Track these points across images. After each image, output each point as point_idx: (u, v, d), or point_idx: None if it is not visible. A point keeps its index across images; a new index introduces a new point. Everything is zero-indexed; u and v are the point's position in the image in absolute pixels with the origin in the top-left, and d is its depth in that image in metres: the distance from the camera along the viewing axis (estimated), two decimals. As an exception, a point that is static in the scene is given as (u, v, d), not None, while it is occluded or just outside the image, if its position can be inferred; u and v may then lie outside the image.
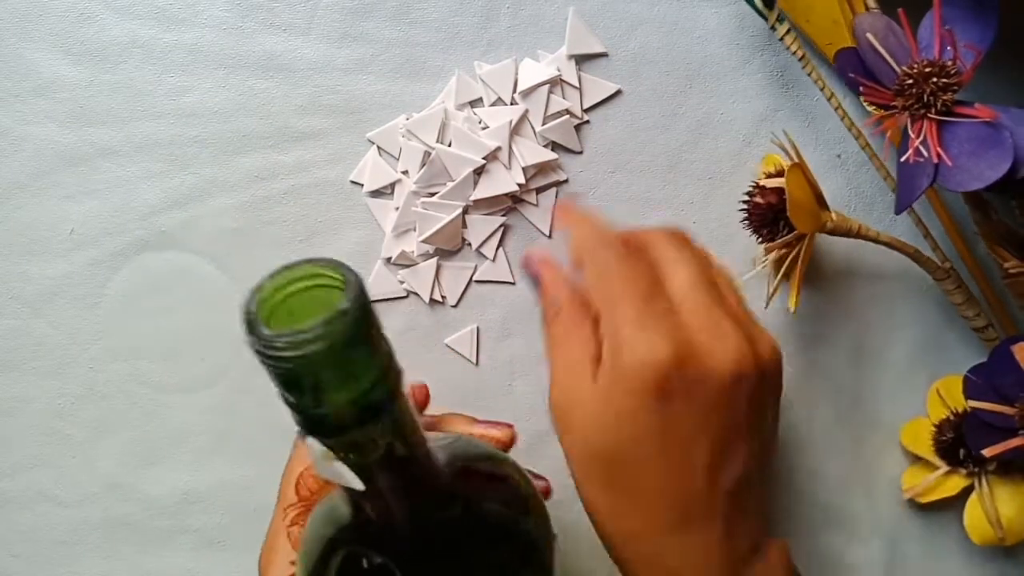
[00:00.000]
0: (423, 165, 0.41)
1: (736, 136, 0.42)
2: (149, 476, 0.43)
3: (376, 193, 0.42)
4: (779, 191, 0.37)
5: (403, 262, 0.42)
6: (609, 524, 0.26)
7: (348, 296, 0.19)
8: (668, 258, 0.28)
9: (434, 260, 0.42)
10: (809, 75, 0.39)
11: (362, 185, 0.41)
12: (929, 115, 0.33)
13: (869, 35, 0.34)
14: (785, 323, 0.43)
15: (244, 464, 0.43)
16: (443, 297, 0.42)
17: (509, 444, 0.34)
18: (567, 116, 0.41)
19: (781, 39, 0.40)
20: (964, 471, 0.40)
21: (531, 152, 0.41)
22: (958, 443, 0.40)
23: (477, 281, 0.42)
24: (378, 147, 0.41)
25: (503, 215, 0.42)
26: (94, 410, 0.42)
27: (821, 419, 0.43)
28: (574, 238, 0.29)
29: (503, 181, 0.40)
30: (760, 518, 0.27)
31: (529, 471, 0.30)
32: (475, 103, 0.41)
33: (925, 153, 0.33)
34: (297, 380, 0.19)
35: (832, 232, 0.37)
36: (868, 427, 0.43)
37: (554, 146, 0.41)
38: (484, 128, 0.41)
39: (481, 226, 0.41)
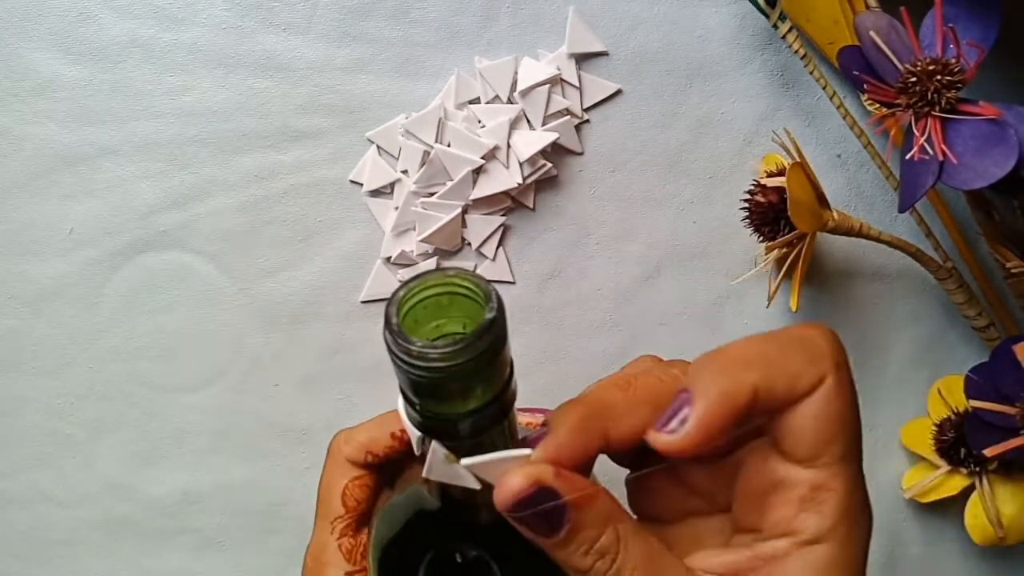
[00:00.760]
0: (422, 165, 0.41)
1: (737, 135, 0.42)
2: (149, 476, 0.43)
3: (376, 193, 0.42)
4: (780, 190, 0.37)
5: (403, 262, 0.42)
6: None
7: (491, 305, 0.20)
8: None
9: (434, 260, 0.42)
10: (811, 74, 0.39)
11: (362, 185, 0.41)
12: (933, 113, 0.33)
13: (872, 33, 0.34)
14: (786, 322, 0.42)
15: (244, 464, 0.43)
16: (443, 297, 0.42)
17: None
18: (567, 116, 0.41)
19: (783, 37, 0.39)
20: (965, 471, 0.40)
21: (528, 144, 0.40)
22: (959, 443, 0.39)
23: (477, 281, 0.42)
24: (378, 147, 0.41)
25: (503, 215, 0.42)
26: (94, 410, 0.42)
27: (822, 419, 0.43)
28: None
29: (502, 179, 0.40)
30: None
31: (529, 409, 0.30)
32: (473, 101, 0.41)
33: (930, 151, 0.33)
34: (437, 388, 0.20)
35: (833, 231, 0.37)
36: (868, 427, 0.43)
37: (554, 146, 0.41)
38: (482, 127, 0.41)
39: (480, 226, 0.41)
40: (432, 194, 0.41)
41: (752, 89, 0.42)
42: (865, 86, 0.35)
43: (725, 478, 0.25)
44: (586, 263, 0.42)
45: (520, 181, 0.40)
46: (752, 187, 0.39)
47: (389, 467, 0.31)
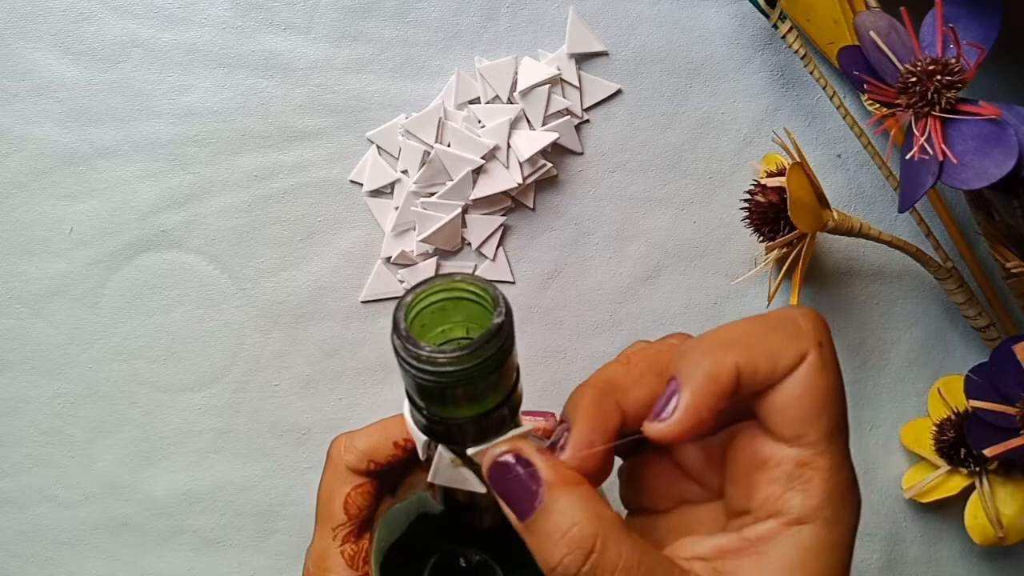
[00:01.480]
0: (422, 165, 0.41)
1: (737, 135, 0.42)
2: (149, 476, 0.43)
3: (376, 192, 0.42)
4: (780, 190, 0.37)
5: (403, 262, 0.42)
6: None
7: (499, 310, 0.20)
8: None
9: (434, 260, 0.42)
10: (811, 74, 0.39)
11: (362, 185, 0.41)
12: (933, 113, 0.33)
13: (872, 33, 0.34)
14: (786, 322, 0.42)
15: (244, 464, 0.43)
16: (443, 297, 0.42)
17: (552, 433, 0.34)
18: (567, 116, 0.41)
19: (783, 37, 0.39)
20: (965, 471, 0.40)
21: (529, 144, 0.40)
22: (959, 443, 0.39)
23: (477, 281, 0.42)
24: (378, 146, 0.41)
25: (503, 215, 0.42)
26: (94, 410, 0.42)
27: (822, 419, 0.43)
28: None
29: (502, 179, 0.40)
30: None
31: (532, 412, 0.30)
32: (473, 101, 0.41)
33: (930, 151, 0.33)
34: (445, 392, 0.20)
35: (833, 231, 0.37)
36: (868, 427, 0.43)
37: (554, 146, 0.41)
38: (482, 127, 0.41)
39: (480, 226, 0.41)
40: (432, 194, 0.41)
41: (752, 89, 0.42)
42: (865, 86, 0.35)
43: (718, 460, 0.25)
44: (586, 263, 0.42)
45: (520, 181, 0.40)
46: (752, 187, 0.39)
47: (390, 474, 0.31)
